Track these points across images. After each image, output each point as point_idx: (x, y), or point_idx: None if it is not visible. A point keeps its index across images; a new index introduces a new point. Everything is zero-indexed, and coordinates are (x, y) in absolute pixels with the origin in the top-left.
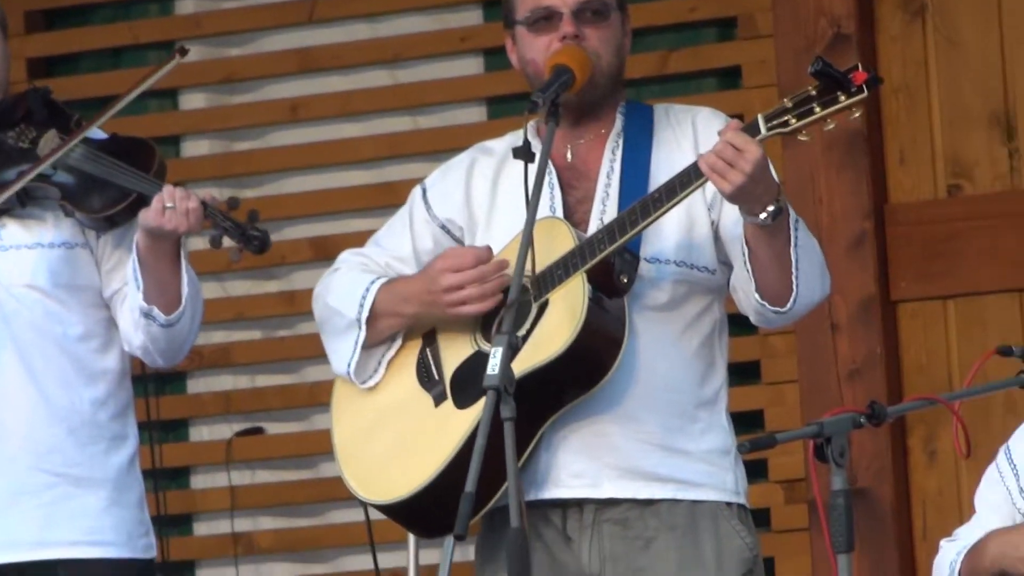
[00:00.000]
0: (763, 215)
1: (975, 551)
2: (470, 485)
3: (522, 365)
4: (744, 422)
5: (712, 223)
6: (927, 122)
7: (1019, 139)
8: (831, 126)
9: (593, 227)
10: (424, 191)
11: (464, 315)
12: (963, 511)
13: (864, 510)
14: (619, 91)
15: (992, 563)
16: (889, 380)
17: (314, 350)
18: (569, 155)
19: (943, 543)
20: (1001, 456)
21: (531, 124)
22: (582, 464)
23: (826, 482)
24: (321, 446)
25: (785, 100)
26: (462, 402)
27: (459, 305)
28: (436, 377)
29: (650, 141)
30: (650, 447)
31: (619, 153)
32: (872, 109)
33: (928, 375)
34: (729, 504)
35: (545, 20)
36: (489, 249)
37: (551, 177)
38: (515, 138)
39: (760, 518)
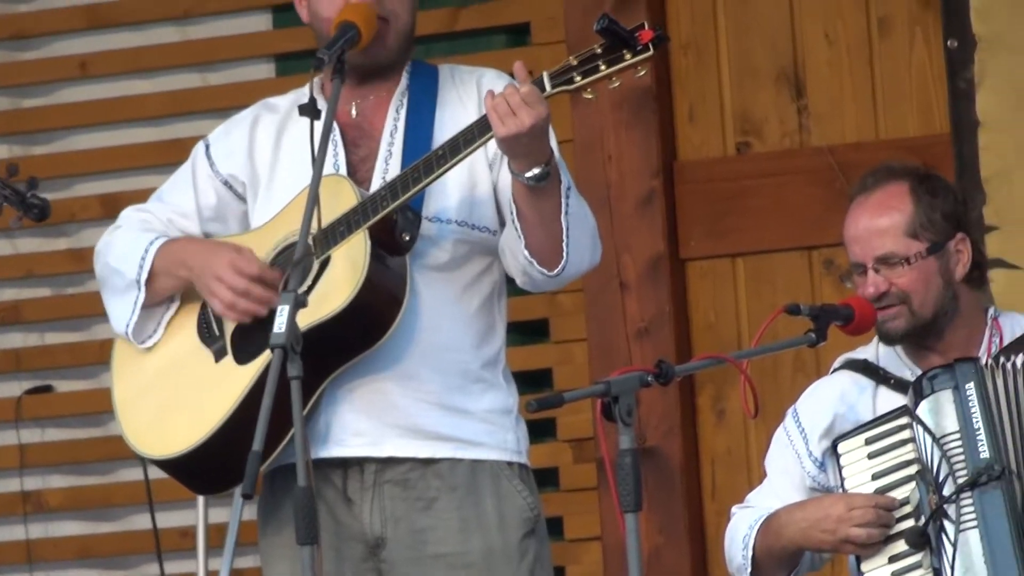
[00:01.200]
0: (529, 174)
1: (769, 528)
2: (258, 444)
3: (303, 321)
4: (533, 381)
5: (493, 183)
6: (716, 79)
7: (808, 96)
8: (616, 84)
9: (375, 186)
10: (207, 147)
11: (213, 306)
12: (752, 470)
13: (653, 469)
14: (410, 50)
15: (789, 542)
16: (678, 339)
17: (104, 308)
18: (354, 112)
19: (735, 510)
20: (789, 418)
21: (316, 81)
22: (363, 423)
23: (614, 441)
24: (110, 404)
25: (571, 58)
26: (242, 358)
27: (212, 296)
28: (217, 333)
29: (434, 101)
30: (430, 406)
31: (403, 112)
32: (661, 66)
33: (717, 333)
34: (510, 463)
35: None
36: (280, 276)
37: (335, 135)
38: (298, 95)
39: (549, 477)
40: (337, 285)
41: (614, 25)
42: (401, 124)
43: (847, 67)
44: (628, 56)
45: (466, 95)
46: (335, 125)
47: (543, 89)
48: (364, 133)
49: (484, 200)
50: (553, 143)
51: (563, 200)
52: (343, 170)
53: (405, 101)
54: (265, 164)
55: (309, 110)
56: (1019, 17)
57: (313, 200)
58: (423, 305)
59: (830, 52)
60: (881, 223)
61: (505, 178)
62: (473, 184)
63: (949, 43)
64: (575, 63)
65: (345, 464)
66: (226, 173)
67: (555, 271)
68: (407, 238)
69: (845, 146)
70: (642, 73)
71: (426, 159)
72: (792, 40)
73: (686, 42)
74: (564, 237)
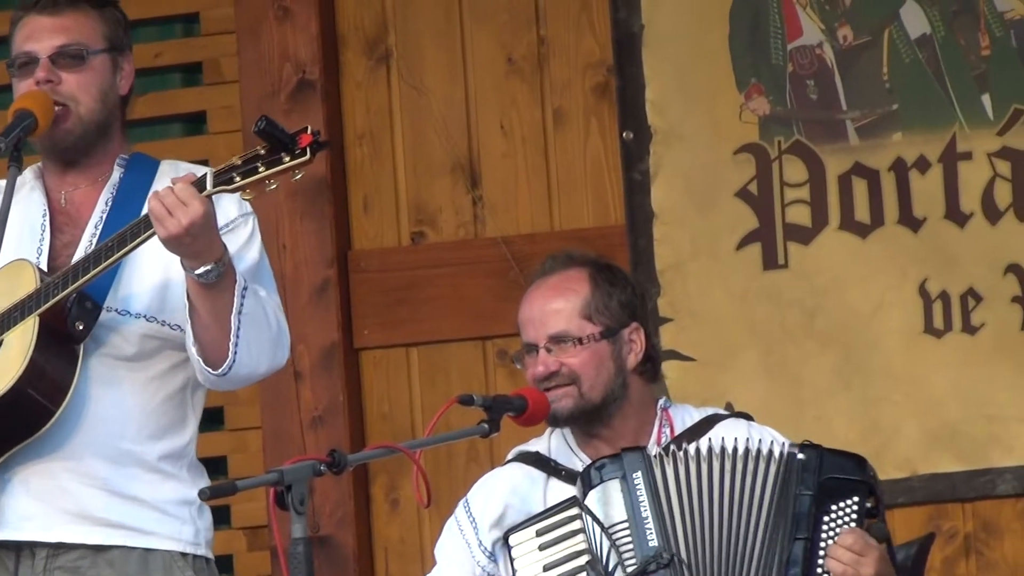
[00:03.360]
0: (198, 271)
1: None
2: None
3: None
4: (208, 468)
5: None
6: (391, 169)
7: (483, 187)
8: (273, 187)
9: None
10: None
11: None
12: (425, 559)
13: (327, 558)
14: (112, 137)
15: None
16: (352, 428)
17: None
18: (63, 201)
19: None
20: (460, 509)
21: (37, 166)
22: (34, 506)
23: (288, 529)
24: None
25: (235, 158)
26: None
27: None
28: None
29: (146, 195)
30: (100, 492)
31: (111, 204)
32: (336, 156)
33: (392, 423)
34: (184, 554)
35: (26, 65)
36: None
37: (45, 220)
38: (32, 173)
39: (224, 564)
40: (4, 369)
41: (272, 127)
42: (107, 215)
43: (522, 158)
44: (287, 159)
45: None
46: (48, 210)
47: (203, 188)
48: (72, 220)
49: (177, 298)
50: (256, 244)
51: (237, 299)
52: (45, 254)
53: (115, 193)
54: None
55: None
56: (694, 110)
57: None
58: (100, 394)
59: (505, 143)
60: (557, 304)
61: None
62: (166, 282)
63: (625, 135)
64: (239, 163)
65: (18, 548)
66: None
67: (220, 370)
68: (80, 327)
69: (520, 237)
70: (299, 176)
71: (96, 251)
72: (468, 131)
73: (361, 133)
74: (233, 336)
